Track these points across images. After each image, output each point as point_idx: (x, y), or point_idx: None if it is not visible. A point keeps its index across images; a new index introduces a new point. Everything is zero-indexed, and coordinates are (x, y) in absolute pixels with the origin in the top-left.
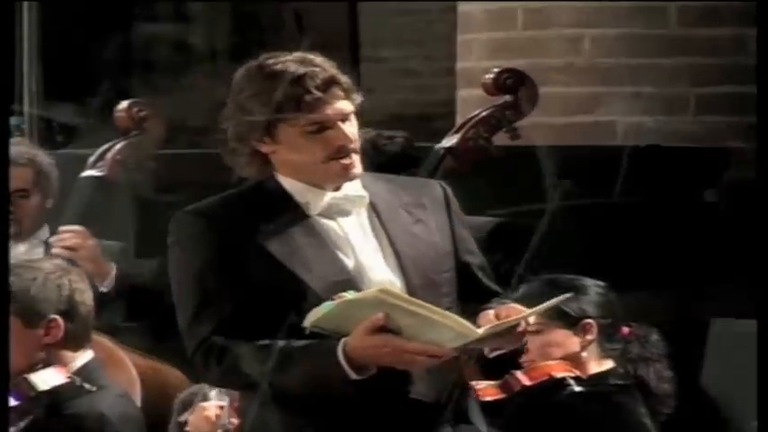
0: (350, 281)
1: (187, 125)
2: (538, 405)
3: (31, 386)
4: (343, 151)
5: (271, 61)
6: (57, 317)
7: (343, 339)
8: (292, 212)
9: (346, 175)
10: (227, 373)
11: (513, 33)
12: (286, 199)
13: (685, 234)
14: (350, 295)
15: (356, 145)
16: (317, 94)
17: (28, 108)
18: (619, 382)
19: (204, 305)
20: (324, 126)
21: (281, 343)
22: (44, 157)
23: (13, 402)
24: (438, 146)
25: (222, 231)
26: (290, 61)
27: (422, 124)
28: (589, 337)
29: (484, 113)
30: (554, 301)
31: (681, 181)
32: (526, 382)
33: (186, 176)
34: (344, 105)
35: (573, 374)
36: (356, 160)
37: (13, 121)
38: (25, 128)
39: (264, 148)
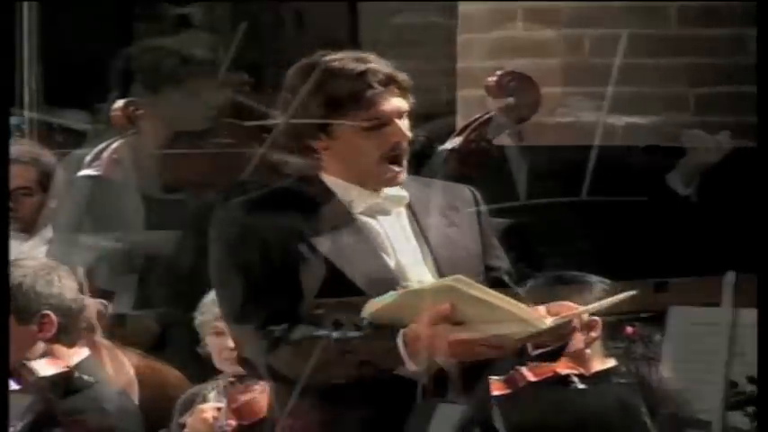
0: (392, 279)
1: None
2: (541, 402)
3: (30, 371)
4: (397, 149)
5: (328, 58)
6: (49, 312)
7: (402, 330)
8: (336, 210)
9: (395, 182)
10: (277, 366)
11: (514, 33)
12: (329, 196)
13: (686, 232)
14: (416, 285)
15: (407, 145)
16: (379, 89)
17: (27, 110)
18: (621, 381)
19: (250, 301)
20: (381, 123)
21: (335, 334)
22: (48, 157)
23: (13, 386)
24: (441, 147)
25: (267, 227)
26: (347, 59)
27: (422, 124)
28: (594, 334)
29: (487, 115)
30: (615, 298)
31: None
32: (531, 378)
33: (186, 176)
34: (401, 103)
35: (577, 372)
36: (405, 168)
37: (14, 120)
38: (25, 128)
39: (319, 145)
